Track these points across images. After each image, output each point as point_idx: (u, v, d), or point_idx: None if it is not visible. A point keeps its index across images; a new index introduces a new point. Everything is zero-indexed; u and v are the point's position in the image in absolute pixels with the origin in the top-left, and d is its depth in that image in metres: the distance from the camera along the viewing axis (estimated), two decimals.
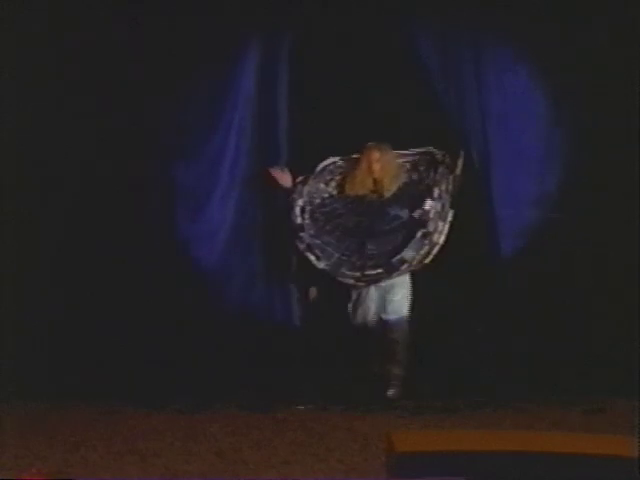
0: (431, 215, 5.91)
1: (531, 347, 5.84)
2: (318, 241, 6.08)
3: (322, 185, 6.21)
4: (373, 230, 6.02)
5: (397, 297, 5.92)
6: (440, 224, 5.89)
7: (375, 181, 6.04)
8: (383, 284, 5.94)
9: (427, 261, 5.86)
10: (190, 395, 5.74)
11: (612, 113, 5.80)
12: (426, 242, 5.88)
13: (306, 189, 6.18)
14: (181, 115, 6.13)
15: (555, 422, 5.11)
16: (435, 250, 5.87)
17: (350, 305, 6.01)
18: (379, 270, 5.91)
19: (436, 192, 5.95)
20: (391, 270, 5.90)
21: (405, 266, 5.90)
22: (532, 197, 6.08)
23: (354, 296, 6.02)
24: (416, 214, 5.94)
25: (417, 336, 5.92)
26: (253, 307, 6.22)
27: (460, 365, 5.86)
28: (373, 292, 5.96)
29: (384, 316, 5.92)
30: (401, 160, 6.13)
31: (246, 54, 6.17)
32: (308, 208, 6.16)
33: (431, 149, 6.08)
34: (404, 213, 5.99)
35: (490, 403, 5.56)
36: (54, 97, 6.00)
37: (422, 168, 6.07)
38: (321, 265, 6.04)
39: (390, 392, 5.81)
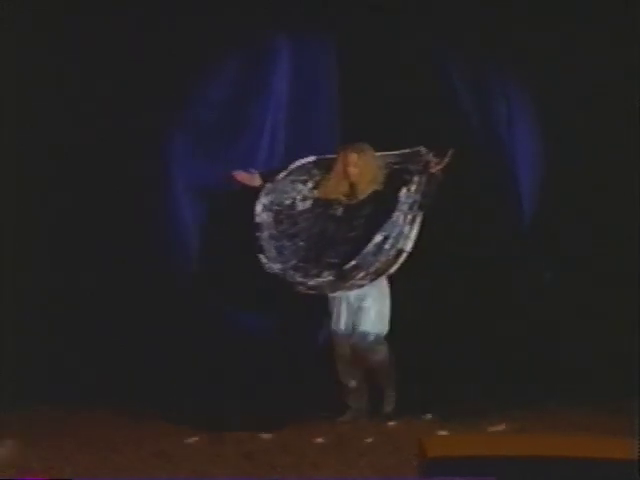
0: (394, 217, 5.45)
1: (560, 350, 5.82)
2: (278, 243, 5.67)
3: (299, 185, 5.81)
4: (338, 237, 5.59)
5: (370, 313, 5.48)
6: (406, 228, 5.42)
7: (351, 185, 5.62)
8: (353, 297, 5.51)
9: (393, 270, 5.41)
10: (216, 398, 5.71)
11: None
12: (386, 247, 5.42)
13: (275, 187, 5.76)
14: (211, 115, 6.11)
15: (586, 425, 5.12)
16: (402, 258, 5.40)
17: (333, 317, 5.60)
18: (330, 277, 5.49)
19: (403, 193, 5.50)
20: (343, 278, 5.46)
21: (360, 274, 5.43)
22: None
23: (332, 308, 5.61)
24: (379, 217, 5.50)
25: (442, 338, 5.82)
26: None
27: (490, 368, 5.75)
28: (344, 306, 5.55)
29: (356, 333, 5.50)
30: (385, 161, 5.66)
31: (280, 55, 6.10)
32: (274, 208, 5.74)
33: (421, 149, 5.62)
34: (370, 217, 5.55)
35: (521, 406, 5.47)
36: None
37: (402, 168, 5.61)
38: (274, 268, 5.60)
39: (386, 409, 5.53)
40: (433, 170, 5.46)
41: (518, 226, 6.05)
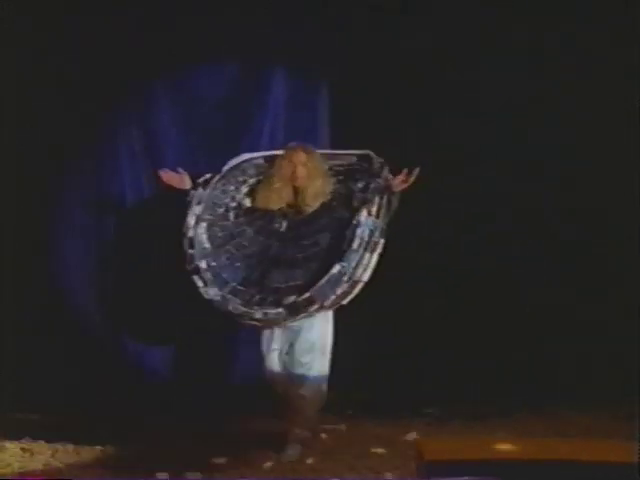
0: (355, 245, 4.78)
1: (562, 353, 5.80)
2: (213, 263, 4.91)
3: (231, 188, 5.08)
4: (282, 257, 4.90)
5: (315, 345, 4.85)
6: (366, 256, 4.76)
7: (296, 192, 4.96)
8: (291, 327, 4.85)
9: (344, 302, 4.79)
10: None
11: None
12: (345, 279, 4.73)
13: (208, 193, 5.04)
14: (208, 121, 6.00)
15: (586, 428, 5.15)
16: (357, 289, 4.76)
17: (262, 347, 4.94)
18: (279, 310, 4.74)
19: (363, 215, 4.83)
20: (294, 312, 4.75)
21: (314, 308, 4.74)
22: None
23: (262, 337, 4.95)
24: (336, 241, 4.85)
25: (442, 340, 5.72)
26: None
27: (490, 370, 5.72)
28: (278, 336, 4.89)
29: (291, 368, 4.86)
30: (331, 163, 5.07)
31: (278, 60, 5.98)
32: (207, 217, 5.01)
33: (369, 153, 5.06)
34: (323, 238, 4.89)
35: (521, 409, 5.45)
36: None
37: (354, 179, 5.01)
38: (210, 294, 4.85)
39: (288, 452, 4.82)
40: (396, 189, 4.88)
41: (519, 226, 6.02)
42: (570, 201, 5.95)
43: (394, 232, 4.93)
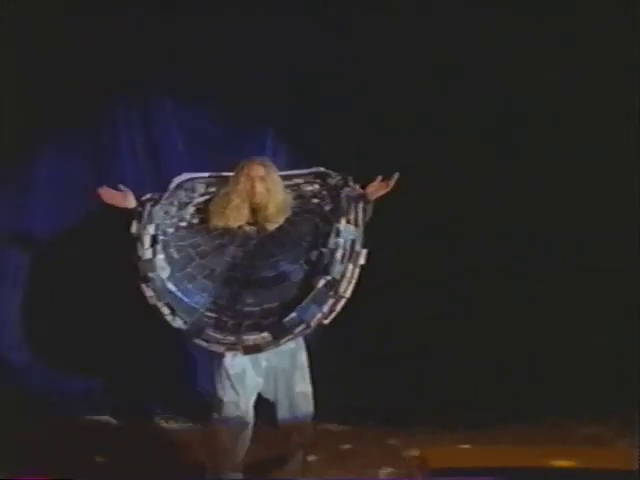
0: (338, 256, 4.50)
1: (564, 361, 5.79)
2: (173, 287, 4.53)
3: (174, 209, 4.76)
4: (253, 277, 4.55)
5: (296, 375, 4.57)
6: (349, 268, 4.48)
7: (254, 209, 4.65)
8: (265, 359, 4.51)
9: (327, 321, 4.47)
10: None
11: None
12: (330, 294, 4.44)
13: (157, 211, 4.68)
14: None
15: (587, 436, 5.16)
16: (339, 306, 4.47)
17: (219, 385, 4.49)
18: (264, 334, 4.38)
19: (343, 224, 4.56)
20: (281, 334, 4.40)
21: (300, 328, 4.41)
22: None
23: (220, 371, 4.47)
24: (314, 255, 4.55)
25: (446, 349, 5.69)
26: None
27: (493, 379, 5.71)
28: (252, 373, 4.49)
29: (281, 414, 4.55)
30: (287, 182, 4.81)
31: None
32: (161, 238, 4.63)
33: (323, 170, 4.89)
34: (298, 253, 4.59)
35: (523, 418, 5.44)
36: None
37: (318, 193, 4.82)
38: (177, 323, 4.46)
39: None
40: (372, 197, 4.66)
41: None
42: (570, 201, 5.95)
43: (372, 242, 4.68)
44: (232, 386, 4.47)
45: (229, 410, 4.46)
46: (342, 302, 4.47)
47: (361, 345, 5.75)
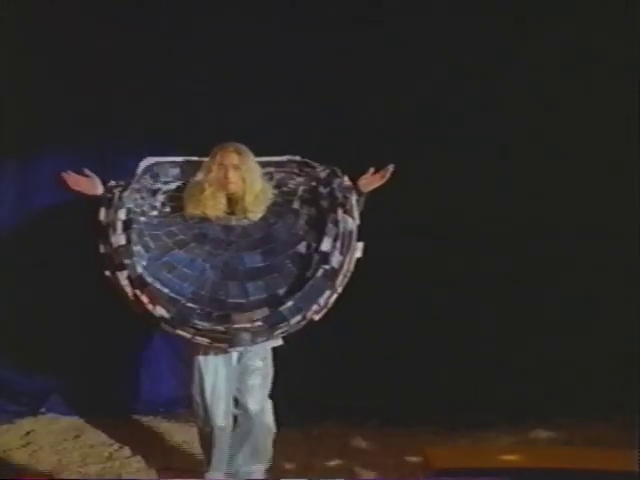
0: (338, 245, 4.36)
1: (564, 361, 5.77)
2: (150, 278, 4.28)
3: (143, 196, 4.53)
4: (239, 269, 4.35)
5: (257, 379, 4.43)
6: (347, 260, 4.33)
7: (230, 198, 4.44)
8: (236, 355, 4.36)
9: (317, 317, 4.31)
10: None
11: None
12: (329, 284, 4.29)
13: (127, 196, 4.45)
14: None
15: (589, 437, 5.16)
16: (333, 299, 4.33)
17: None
18: (258, 323, 4.16)
19: (340, 214, 4.41)
20: (276, 322, 4.21)
21: (297, 319, 4.23)
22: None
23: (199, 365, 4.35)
24: (303, 247, 4.40)
25: (450, 347, 5.69)
26: None
27: (493, 379, 5.71)
28: (223, 368, 4.36)
29: (243, 406, 4.43)
30: (265, 170, 4.61)
31: None
32: (135, 226, 4.40)
33: (300, 159, 4.71)
34: (287, 245, 4.42)
35: (526, 418, 5.45)
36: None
37: (306, 184, 4.63)
38: (161, 311, 4.19)
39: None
40: (365, 189, 4.53)
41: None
42: (570, 201, 5.94)
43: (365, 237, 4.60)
44: (204, 387, 4.38)
45: (201, 412, 4.40)
46: (334, 297, 4.34)
47: (361, 345, 5.75)
